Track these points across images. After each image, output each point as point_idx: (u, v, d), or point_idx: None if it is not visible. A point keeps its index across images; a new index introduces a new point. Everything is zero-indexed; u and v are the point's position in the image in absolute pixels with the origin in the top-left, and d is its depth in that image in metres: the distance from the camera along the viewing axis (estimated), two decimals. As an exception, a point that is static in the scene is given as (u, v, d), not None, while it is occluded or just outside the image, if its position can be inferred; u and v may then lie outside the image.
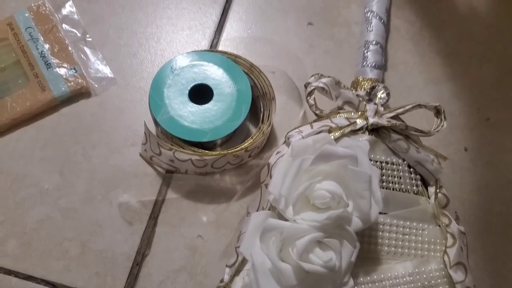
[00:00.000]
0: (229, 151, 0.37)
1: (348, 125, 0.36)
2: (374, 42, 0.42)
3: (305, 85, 0.37)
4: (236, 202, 0.39)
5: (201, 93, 0.39)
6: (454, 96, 0.44)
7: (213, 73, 0.39)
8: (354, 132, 0.36)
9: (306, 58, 0.45)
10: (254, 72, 0.40)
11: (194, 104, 0.38)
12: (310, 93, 0.36)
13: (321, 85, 0.36)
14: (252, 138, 0.38)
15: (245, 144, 0.38)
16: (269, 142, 0.42)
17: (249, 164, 0.41)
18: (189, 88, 0.39)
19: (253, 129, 0.42)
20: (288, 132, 0.36)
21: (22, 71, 0.42)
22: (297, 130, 0.36)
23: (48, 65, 0.42)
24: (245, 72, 0.40)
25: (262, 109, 0.40)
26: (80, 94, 0.42)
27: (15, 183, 0.39)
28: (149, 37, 0.45)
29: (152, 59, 0.44)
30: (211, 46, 0.45)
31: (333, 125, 0.36)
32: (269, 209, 0.33)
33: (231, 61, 0.40)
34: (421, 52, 0.46)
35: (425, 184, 0.37)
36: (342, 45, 0.46)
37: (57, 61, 0.43)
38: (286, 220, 0.31)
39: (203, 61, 0.40)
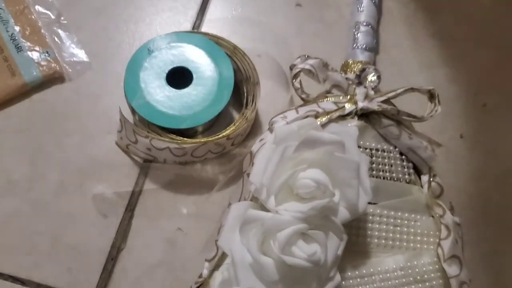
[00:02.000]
0: (210, 139, 0.35)
1: (336, 110, 0.33)
2: (365, 23, 0.40)
3: (290, 67, 0.35)
4: (218, 193, 0.37)
5: (180, 77, 0.37)
6: (450, 81, 0.42)
7: (193, 56, 0.37)
8: (343, 117, 0.33)
9: (294, 41, 0.43)
10: (238, 55, 0.38)
11: (172, 89, 0.36)
12: (295, 76, 0.34)
13: (307, 67, 0.34)
14: (234, 125, 0.36)
15: (227, 131, 0.36)
16: (254, 129, 0.39)
17: (232, 153, 0.38)
18: (166, 72, 0.36)
19: (236, 116, 0.39)
20: (272, 118, 0.34)
21: (-9, 55, 0.40)
22: (281, 115, 0.33)
23: (19, 48, 0.40)
24: (228, 54, 0.38)
25: (246, 94, 0.38)
26: (53, 79, 0.40)
27: (-18, 174, 0.37)
28: (127, 19, 0.43)
29: (130, 42, 0.42)
30: (193, 28, 0.43)
31: (320, 110, 0.33)
32: (251, 200, 0.31)
33: (213, 43, 0.38)
34: (415, 35, 0.44)
35: (418, 172, 0.35)
36: (332, 27, 0.43)
37: (29, 44, 0.40)
38: (268, 211, 0.29)
39: (182, 43, 0.37)
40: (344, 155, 0.29)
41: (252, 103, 0.37)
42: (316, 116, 0.33)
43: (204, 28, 0.43)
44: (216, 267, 0.31)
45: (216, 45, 0.38)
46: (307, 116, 0.33)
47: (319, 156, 0.29)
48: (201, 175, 0.38)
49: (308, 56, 0.35)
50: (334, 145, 0.29)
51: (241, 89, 0.38)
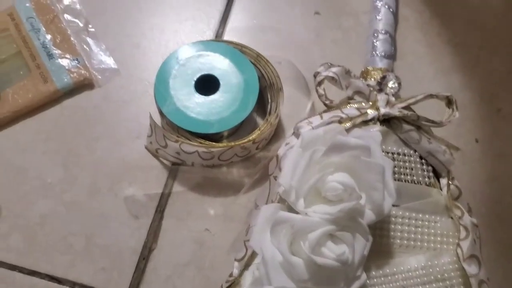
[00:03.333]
0: (236, 143, 0.37)
1: (359, 116, 0.35)
2: (383, 31, 0.41)
3: (314, 75, 0.36)
4: (244, 195, 0.38)
5: (207, 84, 0.38)
6: (465, 87, 0.43)
7: (220, 63, 0.39)
8: (365, 122, 0.35)
9: (313, 48, 0.44)
10: (261, 62, 0.40)
11: (200, 95, 0.38)
12: (319, 83, 0.36)
13: (331, 74, 0.35)
14: (259, 129, 0.37)
15: (253, 136, 0.37)
16: (277, 133, 0.41)
17: (257, 157, 0.40)
18: (195, 79, 0.38)
19: (260, 121, 0.41)
20: (297, 123, 0.35)
21: (24, 62, 0.41)
22: (306, 121, 0.35)
23: (50, 56, 0.41)
24: (251, 62, 0.39)
25: (269, 100, 0.39)
26: (83, 85, 0.42)
27: (17, 177, 0.38)
28: (153, 27, 0.44)
29: (155, 49, 0.43)
30: (216, 36, 0.44)
31: (343, 116, 0.35)
32: (278, 202, 0.33)
33: (238, 51, 0.39)
34: (430, 42, 0.45)
35: (437, 175, 0.36)
36: (350, 34, 0.45)
37: (59, 52, 0.42)
38: (296, 212, 0.31)
39: (209, 51, 0.39)
40: (370, 159, 0.31)
41: (276, 109, 0.38)
42: (340, 121, 0.35)
43: (226, 36, 0.44)
44: (246, 266, 0.33)
45: (240, 53, 0.39)
46: (331, 122, 0.34)
47: (346, 160, 0.31)
48: (227, 177, 0.39)
49: (331, 63, 0.36)
50: (360, 149, 0.31)
51: (264, 95, 0.40)
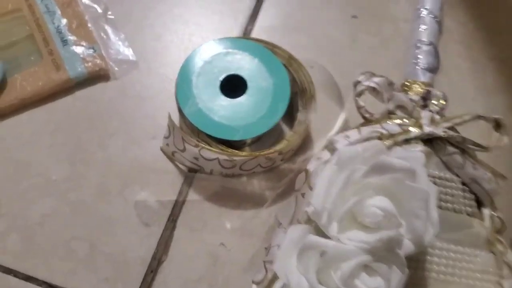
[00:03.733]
0: (262, 153, 0.33)
1: (400, 133, 0.31)
2: (427, 42, 0.38)
3: (354, 84, 0.33)
4: (265, 209, 0.35)
5: (233, 85, 0.35)
6: (509, 109, 0.40)
7: (248, 64, 0.35)
8: (407, 141, 0.32)
9: (348, 54, 0.41)
10: (293, 65, 0.36)
11: (226, 97, 0.34)
12: (359, 93, 0.32)
13: (372, 84, 0.32)
14: (287, 140, 0.34)
15: (280, 146, 0.34)
16: (303, 144, 0.37)
17: (281, 168, 0.37)
18: (221, 79, 0.35)
19: (286, 129, 0.38)
20: (332, 136, 0.32)
21: (35, 47, 0.38)
22: (342, 134, 0.32)
23: (65, 42, 0.38)
24: (283, 64, 0.36)
25: (299, 107, 0.36)
26: (98, 76, 0.38)
27: (19, 171, 0.35)
28: (176, 18, 0.41)
29: (178, 43, 0.40)
30: (244, 34, 0.41)
31: (383, 132, 0.32)
32: (305, 222, 0.30)
33: (268, 51, 0.36)
34: (473, 57, 0.42)
35: (479, 204, 0.33)
36: (388, 42, 0.42)
37: (75, 38, 0.39)
38: (326, 237, 0.28)
39: (237, 49, 0.36)
40: (415, 184, 0.27)
41: (306, 118, 0.35)
42: (380, 137, 0.31)
43: (254, 34, 0.41)
44: (266, 290, 0.30)
45: (271, 53, 0.36)
46: (370, 137, 0.31)
47: (387, 183, 0.27)
48: (247, 188, 0.36)
49: (372, 73, 0.33)
50: (404, 172, 0.27)
51: (294, 101, 0.37)
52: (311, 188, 0.30)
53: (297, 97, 0.36)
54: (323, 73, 0.39)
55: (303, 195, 0.31)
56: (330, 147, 0.31)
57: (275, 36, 0.41)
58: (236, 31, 0.41)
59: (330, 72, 0.39)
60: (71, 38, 0.38)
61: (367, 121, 0.33)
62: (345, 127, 0.35)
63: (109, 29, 0.40)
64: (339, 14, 0.42)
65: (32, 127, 0.37)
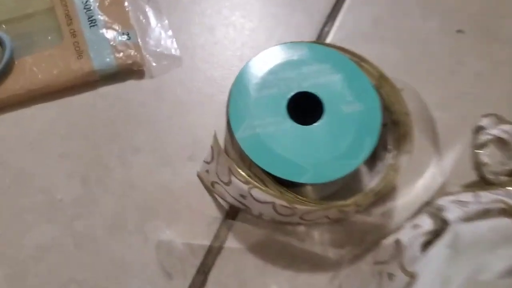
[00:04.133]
0: (336, 205, 0.25)
1: (538, 208, 0.23)
2: None
3: (476, 130, 0.24)
4: (324, 273, 0.27)
5: (304, 107, 0.26)
6: None
7: (327, 80, 0.27)
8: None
9: (449, 78, 0.32)
10: (385, 87, 0.27)
11: (293, 122, 0.26)
12: (482, 145, 0.23)
13: (503, 135, 0.23)
14: (373, 191, 0.26)
15: (360, 197, 0.25)
16: (382, 191, 0.29)
17: (351, 220, 0.28)
18: (288, 97, 0.26)
19: (364, 169, 0.29)
20: (437, 201, 0.23)
21: (55, 24, 0.30)
22: (454, 198, 0.23)
23: (92, 22, 0.30)
24: (373, 85, 0.27)
25: (387, 145, 0.27)
26: (130, 71, 0.30)
27: (17, 184, 0.28)
28: (235, 7, 0.33)
29: (234, 39, 0.32)
30: (318, 37, 0.32)
31: (510, 202, 0.23)
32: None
33: (355, 65, 0.27)
34: None
35: None
36: (501, 69, 0.32)
37: (106, 18, 0.30)
38: None
39: (314, 59, 0.27)
40: None
41: (397, 161, 0.26)
42: (505, 210, 0.22)
43: (329, 40, 0.32)
44: None
45: (358, 68, 0.27)
46: (490, 209, 0.22)
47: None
48: (305, 243, 0.27)
49: (500, 116, 0.24)
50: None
51: (382, 137, 0.28)
52: (404, 271, 0.22)
53: (387, 131, 0.27)
54: (416, 100, 0.30)
55: (390, 276, 0.22)
56: (437, 215, 0.23)
57: (354, 45, 0.32)
58: (309, 33, 0.32)
59: (424, 100, 0.30)
60: (101, 18, 0.30)
61: (488, 184, 0.24)
62: (440, 175, 0.26)
63: (150, 12, 0.32)
64: (440, 27, 0.33)
65: (39, 127, 0.29)
